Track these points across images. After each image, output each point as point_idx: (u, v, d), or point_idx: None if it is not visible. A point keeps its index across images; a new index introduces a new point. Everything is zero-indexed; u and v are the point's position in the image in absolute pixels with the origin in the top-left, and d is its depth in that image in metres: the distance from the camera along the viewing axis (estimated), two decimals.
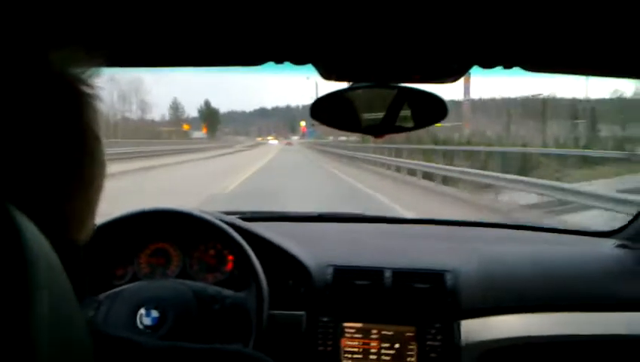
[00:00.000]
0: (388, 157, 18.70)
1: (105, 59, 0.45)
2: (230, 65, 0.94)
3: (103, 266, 1.38)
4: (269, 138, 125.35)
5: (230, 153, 38.39)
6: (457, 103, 28.31)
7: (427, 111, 0.95)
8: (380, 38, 0.80)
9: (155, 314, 1.13)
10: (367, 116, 0.95)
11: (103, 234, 1.29)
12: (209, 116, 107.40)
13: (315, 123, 1.00)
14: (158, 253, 1.43)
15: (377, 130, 0.96)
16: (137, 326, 1.12)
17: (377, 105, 0.93)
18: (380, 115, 0.94)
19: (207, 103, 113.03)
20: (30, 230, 0.30)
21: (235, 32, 0.79)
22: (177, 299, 1.16)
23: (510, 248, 1.60)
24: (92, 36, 0.43)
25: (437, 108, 0.94)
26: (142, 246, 1.43)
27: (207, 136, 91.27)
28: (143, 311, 1.13)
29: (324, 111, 0.96)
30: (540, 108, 32.00)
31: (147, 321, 1.13)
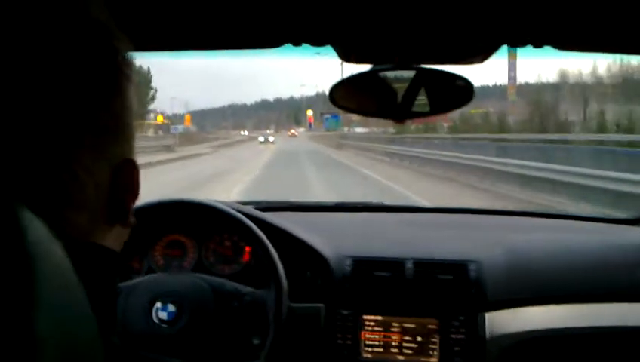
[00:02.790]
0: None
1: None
2: (246, 49, 0.90)
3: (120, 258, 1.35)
4: (268, 132, 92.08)
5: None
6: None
7: (452, 93, 0.91)
8: (401, 17, 0.75)
9: (171, 308, 1.10)
10: (388, 100, 0.90)
11: None
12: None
13: (332, 110, 0.96)
14: (173, 244, 1.40)
15: (400, 114, 0.92)
16: (154, 320, 1.09)
17: (399, 88, 0.89)
18: (402, 98, 0.89)
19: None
20: (37, 229, 0.27)
21: (252, 13, 0.74)
22: (194, 294, 1.14)
23: (534, 237, 1.56)
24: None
25: (463, 90, 0.90)
26: (156, 238, 1.39)
27: (192, 129, 65.09)
28: (159, 304, 1.10)
29: (342, 96, 0.92)
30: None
31: (163, 315, 1.10)
